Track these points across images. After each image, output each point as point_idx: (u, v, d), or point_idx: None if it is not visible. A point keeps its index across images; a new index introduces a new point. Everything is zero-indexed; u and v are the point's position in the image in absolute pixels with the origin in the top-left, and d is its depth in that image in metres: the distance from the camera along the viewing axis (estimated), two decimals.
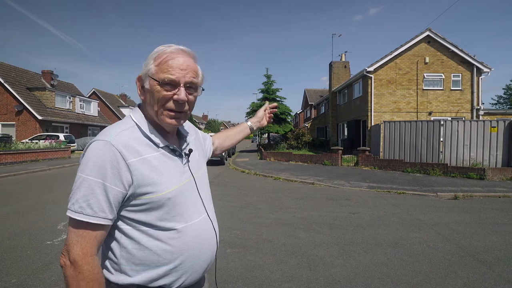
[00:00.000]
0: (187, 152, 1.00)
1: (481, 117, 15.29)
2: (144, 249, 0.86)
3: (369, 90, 15.70)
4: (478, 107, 15.52)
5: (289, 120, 23.60)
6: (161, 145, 0.92)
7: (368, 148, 13.31)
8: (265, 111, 1.53)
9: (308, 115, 37.92)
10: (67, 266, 0.78)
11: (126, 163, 0.82)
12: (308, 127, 29.19)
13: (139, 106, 0.99)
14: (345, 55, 22.97)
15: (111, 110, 34.59)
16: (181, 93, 0.87)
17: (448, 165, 10.50)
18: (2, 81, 20.14)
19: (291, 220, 5.05)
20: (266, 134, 25.74)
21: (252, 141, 60.70)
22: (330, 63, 21.94)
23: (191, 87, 0.90)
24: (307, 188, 8.34)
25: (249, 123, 1.53)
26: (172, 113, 0.89)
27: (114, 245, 0.87)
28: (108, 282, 0.87)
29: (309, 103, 36.63)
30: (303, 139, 21.49)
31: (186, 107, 0.91)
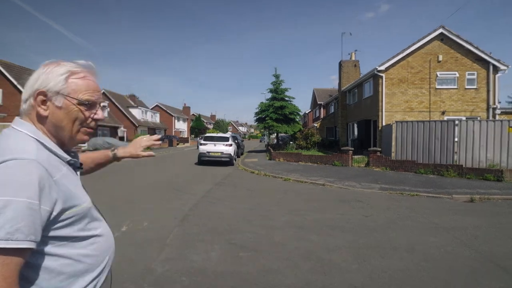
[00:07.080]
0: (78, 165, 1.01)
1: (497, 117, 14.80)
2: (71, 263, 0.85)
3: (380, 90, 15.42)
4: (495, 106, 15.04)
5: (297, 120, 23.44)
6: (66, 159, 0.90)
7: (379, 149, 13.08)
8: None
9: (317, 114, 37.63)
10: None
11: (53, 181, 0.79)
12: (317, 127, 28.97)
13: (21, 119, 0.89)
14: (355, 54, 22.70)
15: (120, 111, 35.07)
16: (100, 113, 0.97)
17: (463, 166, 10.22)
18: (15, 83, 20.62)
19: (302, 223, 4.98)
20: (275, 134, 25.64)
21: (261, 141, 60.60)
22: (340, 62, 21.69)
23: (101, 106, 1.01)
24: (317, 190, 8.24)
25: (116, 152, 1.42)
26: (90, 130, 0.97)
27: (34, 274, 0.78)
28: None
29: (318, 102, 36.34)
30: (312, 139, 21.30)
31: None
